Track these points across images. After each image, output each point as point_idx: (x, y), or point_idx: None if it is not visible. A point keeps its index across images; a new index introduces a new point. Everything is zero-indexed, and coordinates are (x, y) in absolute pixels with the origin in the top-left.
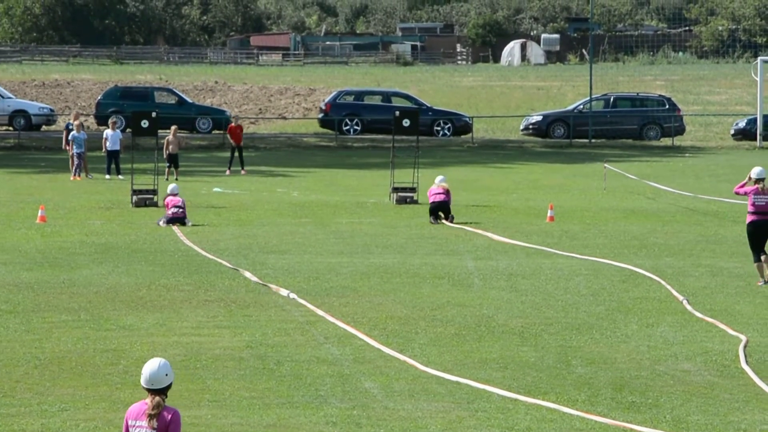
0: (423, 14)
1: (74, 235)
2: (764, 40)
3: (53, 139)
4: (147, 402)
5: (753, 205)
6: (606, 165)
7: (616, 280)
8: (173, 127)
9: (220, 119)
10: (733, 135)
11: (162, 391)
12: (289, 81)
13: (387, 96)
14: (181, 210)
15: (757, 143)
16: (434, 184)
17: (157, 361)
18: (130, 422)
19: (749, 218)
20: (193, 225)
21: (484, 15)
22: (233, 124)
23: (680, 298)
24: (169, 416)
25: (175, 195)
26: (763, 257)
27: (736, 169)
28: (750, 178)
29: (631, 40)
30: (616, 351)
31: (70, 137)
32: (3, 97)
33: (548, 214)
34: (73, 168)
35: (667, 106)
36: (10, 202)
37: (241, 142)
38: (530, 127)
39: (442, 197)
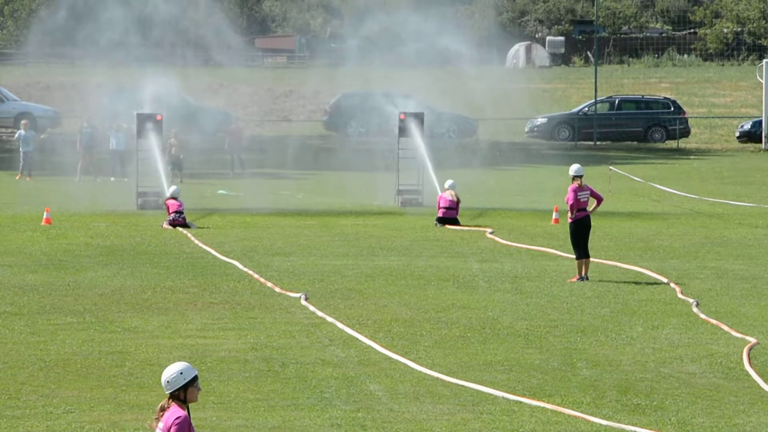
0: None
1: (79, 237)
2: None
3: (58, 141)
4: None
5: (577, 202)
6: (611, 167)
7: (621, 283)
8: (173, 131)
9: (224, 122)
10: (738, 137)
11: (173, 395)
12: (294, 83)
13: (392, 98)
14: (181, 216)
15: (762, 145)
16: (445, 189)
17: (171, 365)
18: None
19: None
20: (198, 227)
21: (489, 17)
22: (233, 126)
23: (690, 300)
24: (171, 420)
25: (175, 198)
26: (585, 259)
27: (741, 171)
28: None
29: (636, 43)
30: (621, 353)
31: (16, 136)
32: (8, 99)
33: (553, 217)
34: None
35: (672, 109)
36: (16, 204)
37: (240, 145)
38: (535, 129)
39: (453, 213)
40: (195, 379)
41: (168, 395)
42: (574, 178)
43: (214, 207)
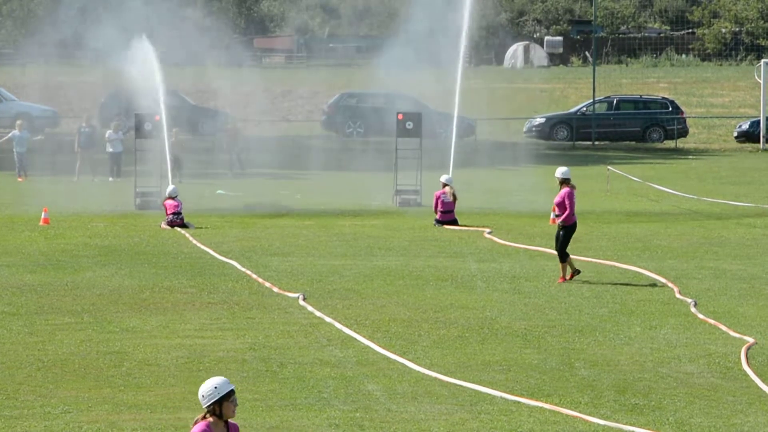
0: None
1: (77, 237)
2: None
3: (56, 141)
4: None
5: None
6: (609, 167)
7: (619, 283)
8: (174, 130)
9: (222, 122)
10: (736, 137)
11: (209, 410)
12: (292, 83)
13: (390, 98)
14: (179, 217)
15: (761, 145)
16: (443, 186)
17: (209, 380)
18: None
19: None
20: (196, 227)
21: (487, 17)
22: (229, 126)
23: (688, 300)
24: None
25: (173, 198)
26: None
27: (739, 171)
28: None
29: (635, 43)
30: (619, 353)
31: (10, 136)
32: (6, 99)
33: (551, 217)
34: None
35: (670, 109)
36: (14, 204)
37: (237, 144)
38: (533, 129)
39: (452, 216)
40: (230, 394)
41: (204, 409)
42: (566, 180)
43: (212, 207)
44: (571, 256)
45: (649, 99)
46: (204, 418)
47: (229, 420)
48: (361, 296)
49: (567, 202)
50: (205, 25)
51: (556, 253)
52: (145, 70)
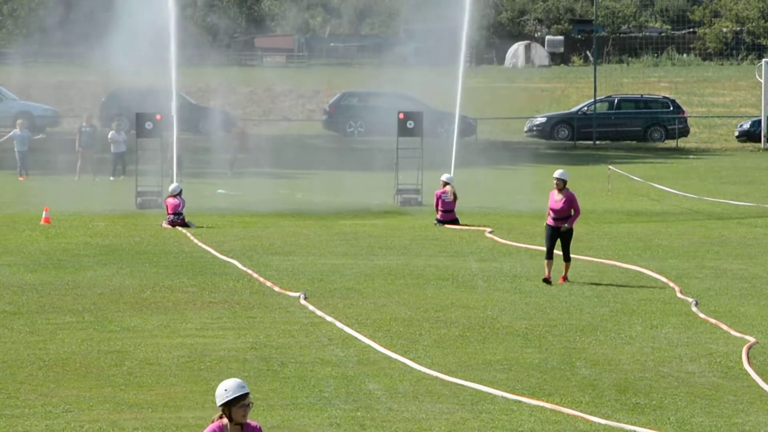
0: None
1: (78, 236)
2: None
3: (57, 140)
4: None
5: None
6: (610, 167)
7: (620, 282)
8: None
9: (222, 121)
10: (737, 137)
11: (222, 410)
12: (293, 83)
13: (391, 98)
14: (179, 217)
15: (762, 145)
16: (443, 184)
17: (227, 380)
18: None
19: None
20: (197, 227)
21: (488, 16)
22: (236, 128)
23: (689, 299)
24: None
25: (175, 196)
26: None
27: (741, 170)
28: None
29: (636, 42)
30: (621, 353)
31: (11, 135)
32: (7, 98)
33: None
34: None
35: (671, 108)
36: (15, 203)
37: (244, 146)
38: (534, 128)
39: (452, 216)
40: (240, 398)
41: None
42: (565, 183)
43: (213, 206)
44: (559, 258)
45: (650, 98)
46: (221, 417)
47: (249, 422)
48: (362, 295)
49: (575, 206)
50: (205, 24)
51: (556, 252)
52: (157, 70)
